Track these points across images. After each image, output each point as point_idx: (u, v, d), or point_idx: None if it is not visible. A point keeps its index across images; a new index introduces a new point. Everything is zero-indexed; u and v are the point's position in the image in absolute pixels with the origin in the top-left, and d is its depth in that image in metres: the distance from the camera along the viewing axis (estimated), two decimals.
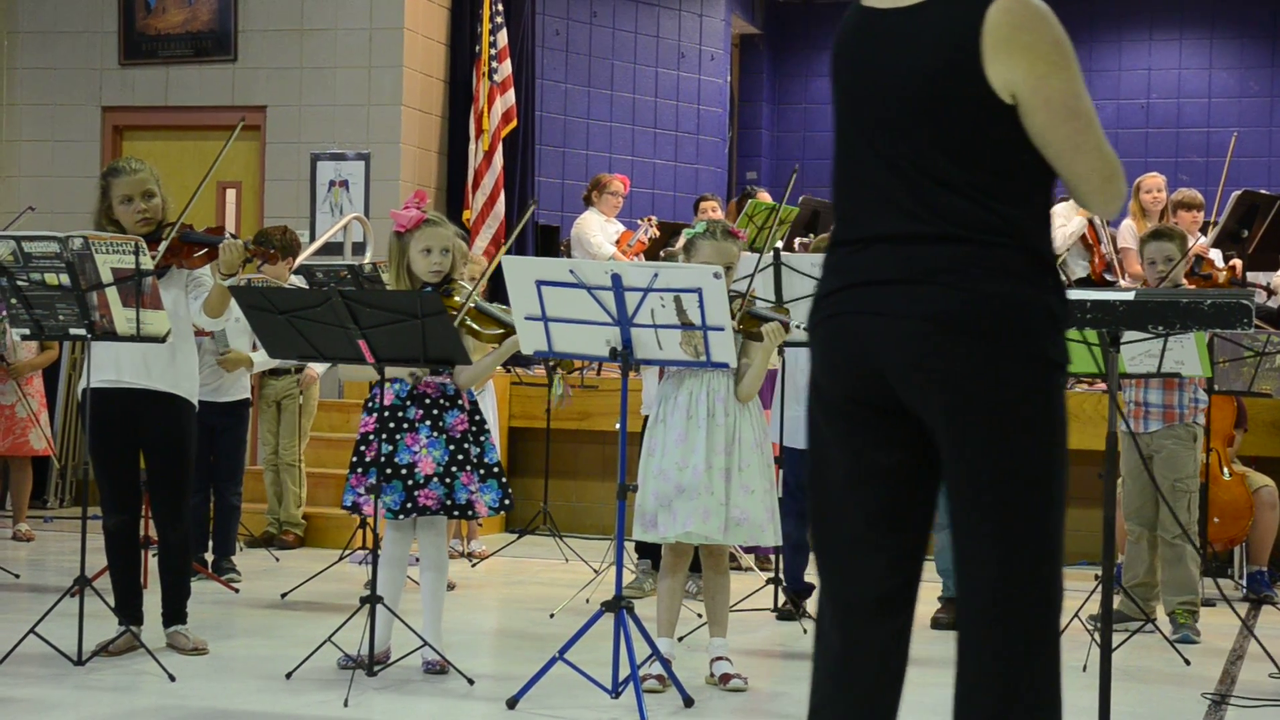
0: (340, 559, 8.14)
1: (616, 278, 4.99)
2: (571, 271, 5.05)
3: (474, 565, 8.80)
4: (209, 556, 7.96)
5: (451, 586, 7.71)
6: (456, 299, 5.63)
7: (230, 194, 11.74)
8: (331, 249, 10.97)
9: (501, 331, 5.58)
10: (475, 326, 5.61)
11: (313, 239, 10.84)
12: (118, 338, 5.49)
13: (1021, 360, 2.82)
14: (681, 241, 5.69)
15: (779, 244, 9.14)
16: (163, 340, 5.49)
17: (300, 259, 9.27)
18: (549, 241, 12.22)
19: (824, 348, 2.95)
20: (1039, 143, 2.82)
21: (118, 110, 11.86)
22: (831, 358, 2.94)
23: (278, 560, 8.67)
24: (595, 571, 8.01)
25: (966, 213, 2.82)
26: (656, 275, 4.97)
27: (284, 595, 7.38)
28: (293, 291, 5.68)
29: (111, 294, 5.41)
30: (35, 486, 9.89)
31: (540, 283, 5.08)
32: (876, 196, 2.90)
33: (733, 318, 5.45)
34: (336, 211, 11.35)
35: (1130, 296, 4.08)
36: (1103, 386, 8.00)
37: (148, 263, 5.41)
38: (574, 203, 12.15)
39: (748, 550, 8.43)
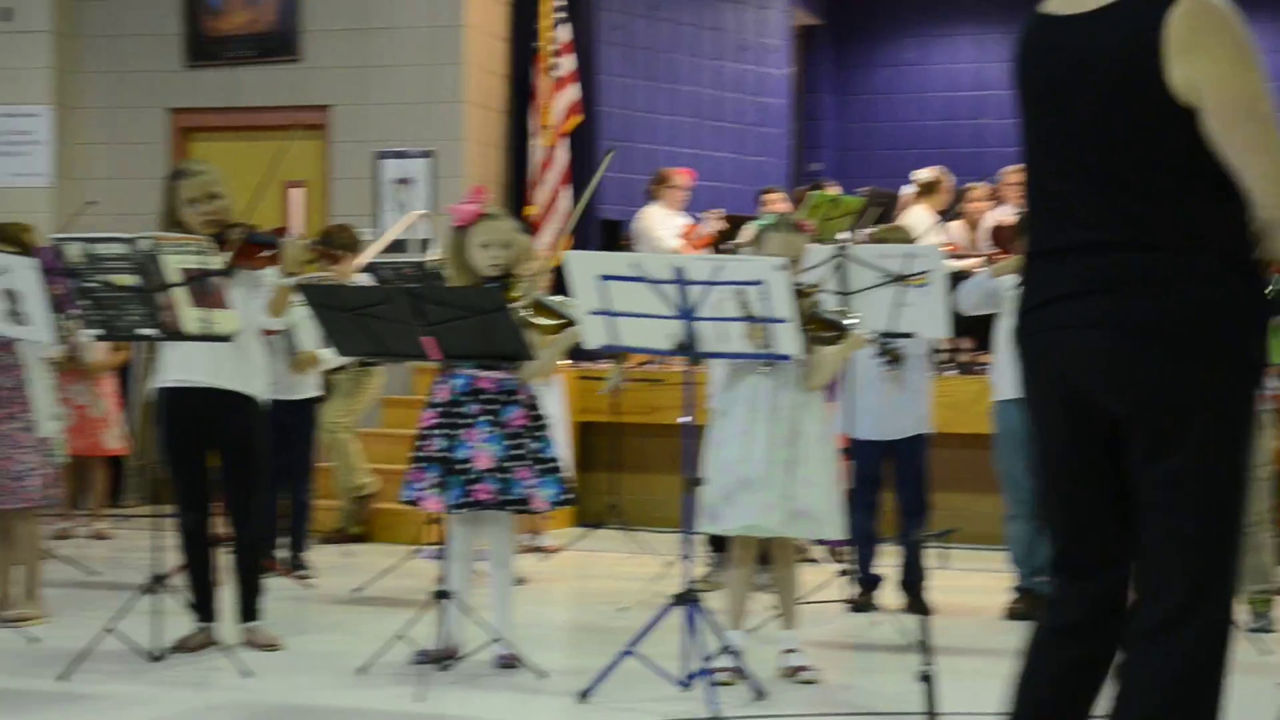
0: (410, 554, 8.19)
1: (680, 271, 4.99)
2: (635, 265, 5.06)
3: (544, 560, 8.83)
4: (282, 554, 8.03)
5: (522, 581, 7.75)
6: (516, 294, 5.65)
7: (296, 194, 11.82)
8: (397, 247, 11.03)
9: (560, 323, 5.59)
10: (536, 320, 5.63)
11: (378, 237, 10.91)
12: (186, 337, 5.55)
13: (1217, 364, 2.83)
14: (751, 234, 5.68)
15: (830, 238, 9.11)
16: (230, 339, 5.54)
17: (365, 257, 9.34)
18: (612, 237, 12.22)
19: (1027, 366, 3.05)
20: (1217, 144, 2.80)
21: (184, 112, 11.97)
22: (1034, 376, 3.04)
23: (350, 556, 8.73)
24: (665, 564, 8.03)
25: (1154, 219, 2.84)
26: (720, 268, 4.97)
27: (356, 590, 7.44)
28: (359, 289, 5.73)
29: (180, 294, 5.47)
30: (112, 486, 10.00)
31: (604, 277, 5.09)
32: (1065, 207, 2.93)
33: (799, 314, 5.45)
34: (401, 209, 11.41)
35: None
36: None
37: (215, 263, 5.47)
38: (637, 198, 12.14)
39: (818, 543, 8.40)
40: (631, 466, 9.98)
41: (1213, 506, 2.86)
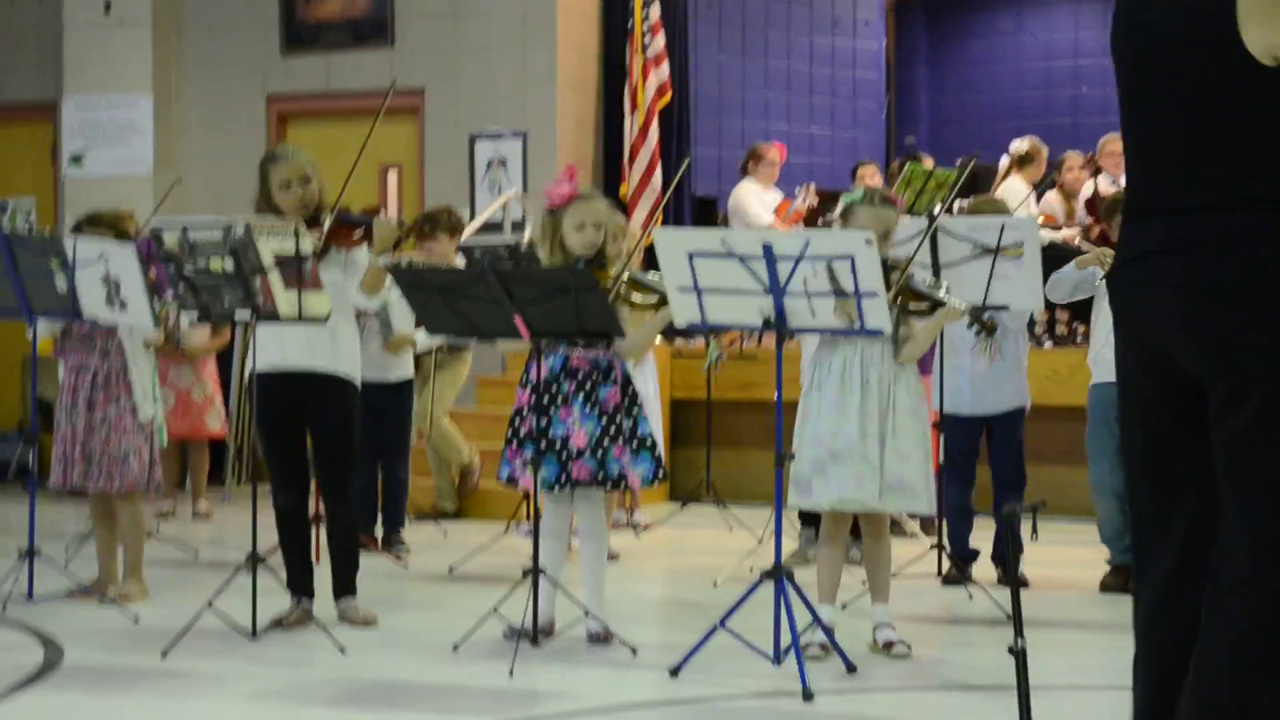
0: (505, 531, 8.25)
1: (768, 247, 4.98)
2: (723, 242, 5.06)
3: (638, 536, 8.87)
4: (379, 532, 8.13)
5: (614, 557, 7.80)
6: (611, 272, 5.67)
7: (391, 175, 11.93)
8: (491, 228, 11.11)
9: (657, 300, 5.60)
10: (632, 298, 5.65)
11: (473, 218, 10.99)
12: (281, 320, 5.62)
13: None
14: (839, 208, 5.67)
15: (924, 210, 9.05)
16: (324, 321, 5.61)
17: (462, 238, 9.41)
18: (706, 213, 12.22)
19: (1117, 322, 3.07)
20: None
21: (281, 99, 12.12)
22: (1122, 333, 3.05)
23: (446, 535, 8.81)
24: (758, 540, 8.04)
25: (1231, 181, 2.83)
26: (808, 243, 4.96)
27: (451, 569, 7.51)
28: (448, 270, 5.77)
29: (274, 277, 5.54)
30: (213, 467, 10.16)
31: (692, 254, 5.09)
32: (1152, 167, 2.97)
33: (890, 287, 5.43)
34: (495, 191, 11.48)
35: None
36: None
37: (307, 246, 5.53)
38: (731, 174, 12.13)
39: (913, 516, 8.36)
40: (725, 442, 9.98)
41: (1274, 477, 2.81)
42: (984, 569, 7.04)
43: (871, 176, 11.41)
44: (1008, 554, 4.24)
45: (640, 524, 9.08)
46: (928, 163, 11.14)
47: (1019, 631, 4.07)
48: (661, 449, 5.93)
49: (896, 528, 8.85)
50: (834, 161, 13.60)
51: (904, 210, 6.53)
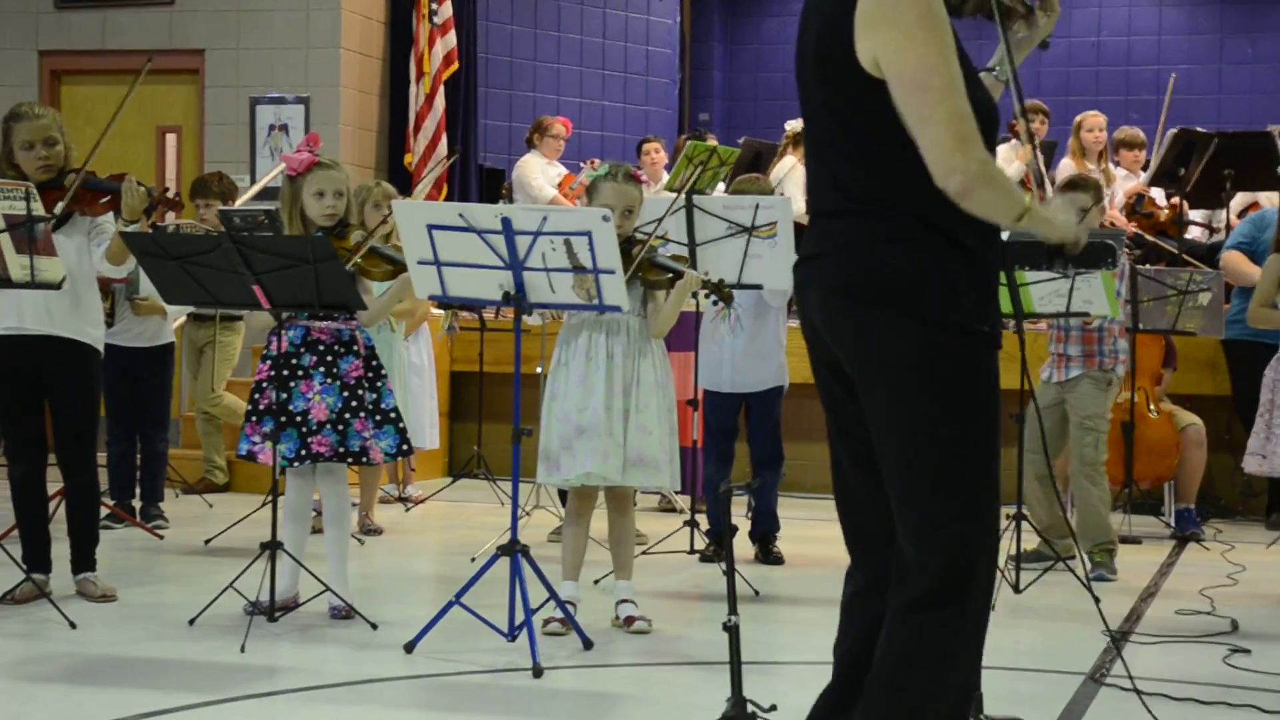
0: (263, 505, 8.12)
1: (506, 221, 4.95)
2: (461, 215, 5.02)
3: (408, 510, 8.80)
4: (136, 504, 7.95)
5: (378, 532, 7.73)
6: (350, 242, 5.60)
7: (170, 139, 11.65)
8: (271, 194, 10.89)
9: (671, 276, 5.52)
10: (367, 268, 5.59)
11: (252, 184, 10.78)
12: (12, 284, 5.44)
13: (910, 324, 2.88)
14: (586, 183, 5.67)
15: (708, 186, 9.09)
16: (58, 287, 5.44)
17: (239, 203, 9.23)
18: (494, 185, 12.16)
19: (799, 317, 3.17)
20: (901, 114, 2.85)
21: (54, 54, 11.75)
22: (801, 327, 3.16)
23: (210, 507, 8.65)
24: (526, 514, 8.03)
25: (857, 185, 2.94)
26: (546, 218, 4.94)
27: (207, 542, 7.37)
28: (184, 237, 5.64)
29: (5, 240, 5.35)
30: None
31: (431, 227, 5.04)
32: (812, 172, 3.10)
33: (633, 261, 5.44)
34: (277, 156, 11.27)
35: (1003, 237, 4.05)
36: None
37: (39, 209, 5.37)
38: (518, 146, 12.08)
39: (680, 493, 8.42)
40: (500, 416, 9.93)
41: (915, 467, 2.89)
42: (743, 546, 7.11)
43: (656, 152, 11.44)
44: (724, 531, 4.28)
45: (410, 498, 9.02)
46: (711, 140, 11.21)
47: (733, 609, 4.13)
48: (405, 423, 5.86)
49: (664, 502, 8.93)
50: (625, 136, 13.63)
51: (687, 187, 6.56)
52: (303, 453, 5.56)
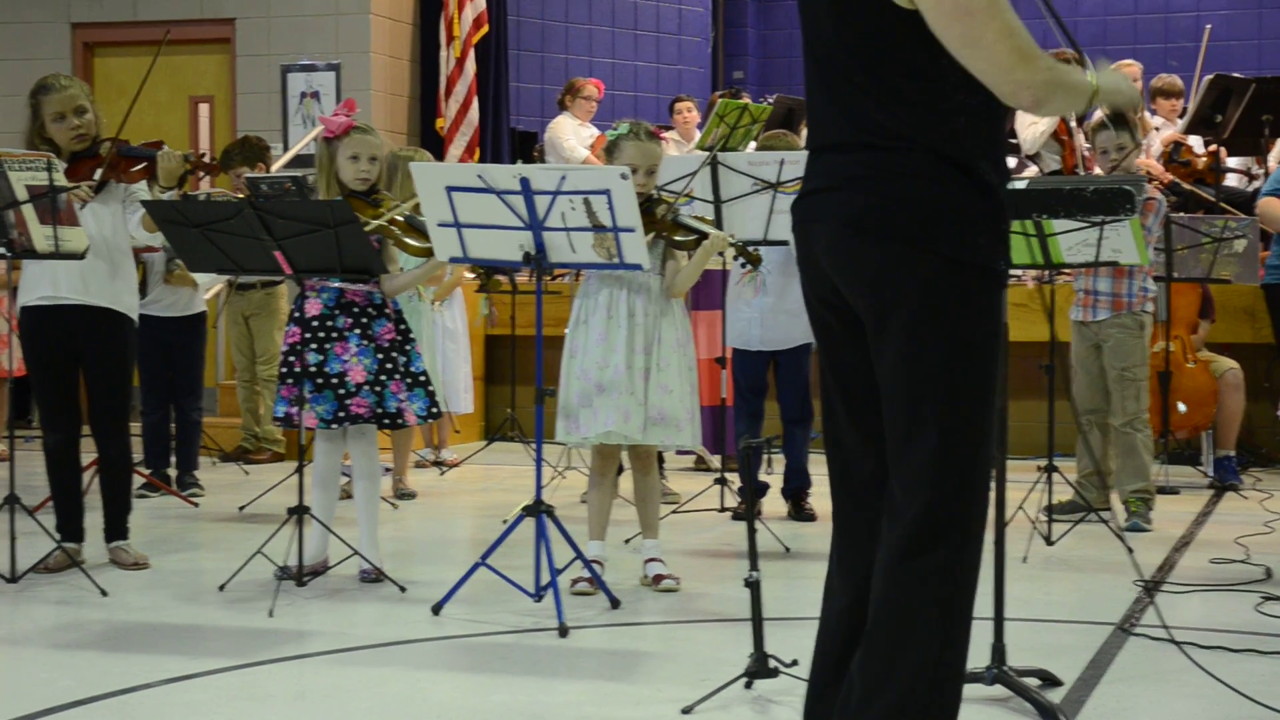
0: (294, 472, 8.14)
1: (525, 181, 4.93)
2: (480, 176, 5.00)
3: (443, 474, 8.82)
4: (172, 472, 7.99)
5: (412, 495, 7.75)
6: (383, 209, 5.59)
7: (203, 108, 11.68)
8: (304, 161, 10.91)
9: (696, 237, 5.50)
10: (404, 239, 5.58)
11: (285, 151, 10.80)
12: (37, 255, 5.47)
13: (925, 259, 2.82)
14: (606, 142, 5.64)
15: (740, 145, 9.05)
16: (81, 256, 5.46)
17: (271, 170, 9.24)
18: (527, 147, 12.14)
19: (796, 253, 3.10)
20: (941, 42, 2.77)
21: (87, 26, 11.78)
22: (800, 264, 3.08)
23: (247, 474, 8.69)
24: (558, 474, 8.05)
25: (875, 118, 2.86)
26: (564, 177, 4.92)
27: (242, 508, 7.41)
28: (206, 204, 5.64)
29: (28, 211, 5.39)
30: (19, 406, 9.90)
31: (450, 189, 5.03)
32: (819, 106, 3.00)
33: (656, 221, 5.41)
34: (309, 123, 11.29)
35: (1022, 185, 4.02)
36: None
37: (60, 179, 5.39)
38: (552, 108, 12.05)
39: (714, 452, 8.41)
40: (532, 379, 9.91)
41: (927, 405, 2.84)
42: (776, 503, 7.10)
43: (688, 111, 11.40)
44: (746, 488, 4.27)
45: (445, 461, 9.04)
46: (744, 98, 11.16)
47: (754, 565, 4.12)
48: (435, 386, 5.87)
49: (701, 463, 8.92)
50: (659, 96, 13.56)
51: (718, 146, 6.52)
52: (340, 415, 5.57)
